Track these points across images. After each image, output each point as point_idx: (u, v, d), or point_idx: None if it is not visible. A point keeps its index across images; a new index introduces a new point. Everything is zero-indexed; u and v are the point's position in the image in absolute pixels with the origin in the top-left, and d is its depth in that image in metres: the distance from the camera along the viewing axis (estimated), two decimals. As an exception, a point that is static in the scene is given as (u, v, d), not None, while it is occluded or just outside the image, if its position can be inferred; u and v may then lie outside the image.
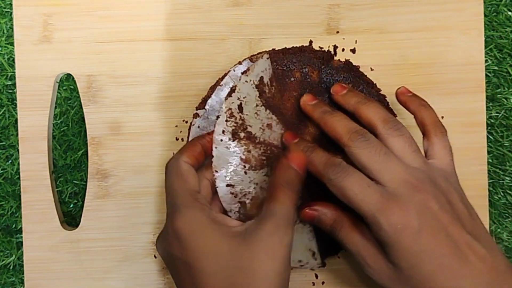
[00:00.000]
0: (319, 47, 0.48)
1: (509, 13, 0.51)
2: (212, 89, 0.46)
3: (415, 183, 0.37)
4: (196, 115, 0.45)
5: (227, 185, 0.42)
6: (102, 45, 0.48)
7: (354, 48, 0.49)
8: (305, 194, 0.45)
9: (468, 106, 0.49)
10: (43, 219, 0.48)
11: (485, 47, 0.49)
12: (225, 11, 0.48)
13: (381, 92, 0.47)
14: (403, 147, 0.39)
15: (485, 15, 0.50)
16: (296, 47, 0.47)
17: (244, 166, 0.42)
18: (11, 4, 0.49)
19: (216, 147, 0.41)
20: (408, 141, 0.39)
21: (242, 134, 0.42)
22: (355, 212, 0.38)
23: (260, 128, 0.42)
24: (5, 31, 0.50)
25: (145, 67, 0.48)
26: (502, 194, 0.52)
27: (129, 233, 0.48)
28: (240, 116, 0.42)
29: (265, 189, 0.42)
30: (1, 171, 0.51)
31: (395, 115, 0.47)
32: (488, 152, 0.51)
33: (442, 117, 0.49)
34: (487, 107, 0.51)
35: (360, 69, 0.47)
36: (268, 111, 0.43)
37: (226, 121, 0.41)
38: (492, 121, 0.51)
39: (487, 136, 0.51)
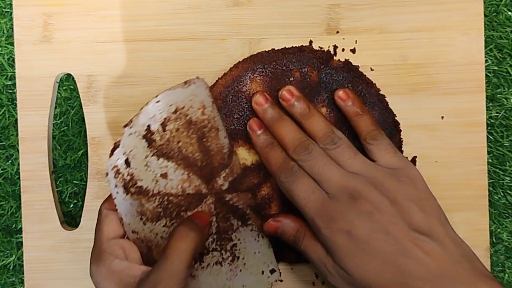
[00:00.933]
0: (319, 47, 0.48)
1: (509, 13, 0.51)
2: (211, 88, 0.46)
3: (351, 189, 0.40)
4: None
5: (132, 232, 0.41)
6: (102, 45, 0.48)
7: (354, 48, 0.49)
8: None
9: (468, 106, 0.49)
10: (43, 219, 0.48)
11: (485, 47, 0.49)
12: (225, 11, 0.48)
13: (381, 92, 0.47)
14: (340, 156, 0.42)
15: (485, 15, 0.50)
16: (296, 47, 0.47)
17: (142, 218, 0.41)
18: (11, 4, 0.49)
19: (115, 197, 0.40)
20: (343, 151, 0.42)
21: (132, 189, 0.40)
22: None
23: (153, 179, 0.40)
24: (5, 31, 0.50)
25: (145, 67, 0.48)
26: (502, 194, 0.52)
27: (129, 233, 0.48)
28: (128, 171, 0.39)
29: (166, 239, 0.41)
30: (1, 171, 0.51)
31: (394, 115, 0.47)
32: (488, 152, 0.51)
33: (442, 117, 0.49)
34: (487, 107, 0.51)
35: (360, 69, 0.47)
36: (161, 159, 0.40)
37: (115, 177, 0.39)
38: (492, 121, 0.51)
39: (487, 136, 0.51)
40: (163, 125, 0.40)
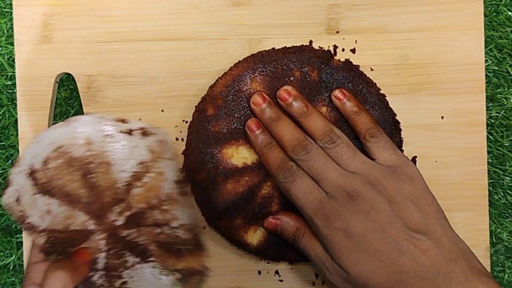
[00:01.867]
0: (319, 47, 0.48)
1: (509, 13, 0.51)
2: (212, 88, 0.46)
3: (348, 189, 0.40)
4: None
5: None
6: (102, 45, 0.48)
7: (354, 48, 0.49)
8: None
9: (468, 106, 0.49)
10: (43, 219, 0.48)
11: (485, 47, 0.49)
12: (225, 11, 0.48)
13: (381, 92, 0.47)
14: (339, 156, 0.42)
15: (485, 15, 0.50)
16: (296, 46, 0.47)
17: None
18: (11, 4, 0.49)
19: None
20: (342, 150, 0.42)
21: (24, 226, 0.41)
22: None
23: (40, 216, 0.40)
24: (5, 31, 0.50)
25: (145, 67, 0.48)
26: (502, 194, 0.52)
27: (129, 233, 0.48)
28: (19, 208, 0.40)
29: None
30: (1, 171, 0.51)
31: (394, 115, 0.47)
32: (488, 152, 0.51)
33: (442, 117, 0.49)
34: (487, 107, 0.51)
35: (360, 69, 0.47)
36: (46, 196, 0.40)
37: (10, 214, 0.41)
38: (492, 121, 0.51)
39: (487, 136, 0.51)
40: (45, 163, 0.40)
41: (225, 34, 0.48)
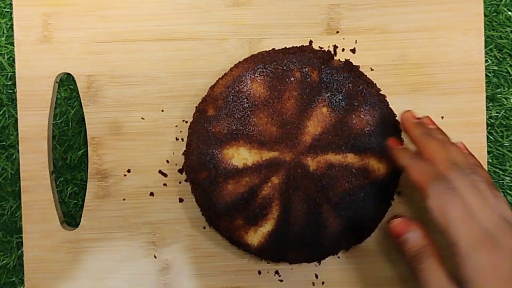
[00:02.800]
0: (319, 47, 0.48)
1: (509, 13, 0.51)
2: (212, 88, 0.46)
3: (507, 227, 0.36)
4: None
5: None
6: (102, 45, 0.48)
7: (354, 48, 0.49)
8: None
9: (468, 106, 0.49)
10: (43, 219, 0.48)
11: (485, 47, 0.49)
12: (225, 11, 0.48)
13: (381, 92, 0.47)
14: (477, 187, 0.38)
15: (485, 15, 0.50)
16: (296, 47, 0.47)
17: None
18: (11, 4, 0.49)
19: None
20: (487, 185, 0.39)
21: None
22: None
23: None
24: (5, 31, 0.50)
25: (145, 67, 0.48)
26: (502, 194, 0.52)
27: (129, 233, 0.48)
28: None
29: None
30: (1, 171, 0.51)
31: (395, 115, 0.47)
32: (488, 152, 0.51)
33: (442, 117, 0.49)
34: (487, 107, 0.51)
35: (360, 69, 0.47)
36: None
37: None
38: (492, 121, 0.51)
39: (487, 136, 0.51)
40: None
41: (225, 34, 0.48)
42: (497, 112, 0.51)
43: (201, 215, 0.47)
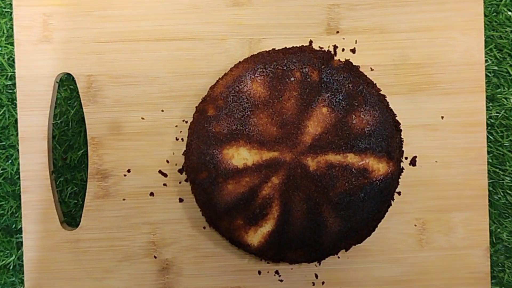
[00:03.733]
0: (319, 47, 0.48)
1: (509, 13, 0.51)
2: (212, 88, 0.46)
3: None
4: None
5: None
6: (102, 45, 0.48)
7: (354, 48, 0.49)
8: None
9: (468, 106, 0.49)
10: (43, 219, 0.48)
11: (485, 47, 0.49)
12: (225, 11, 0.48)
13: (381, 92, 0.47)
14: None
15: (485, 15, 0.50)
16: (296, 47, 0.47)
17: None
18: (11, 4, 0.49)
19: None
20: None
21: None
22: None
23: None
24: (5, 31, 0.50)
25: (145, 67, 0.48)
26: (502, 194, 0.52)
27: (129, 233, 0.48)
28: None
29: None
30: (1, 171, 0.51)
31: (395, 115, 0.47)
32: (488, 152, 0.51)
33: (442, 117, 0.49)
34: (487, 107, 0.51)
35: (360, 69, 0.47)
36: None
37: None
38: (492, 121, 0.51)
39: (487, 136, 0.51)
40: None
41: (225, 34, 0.48)
42: (497, 112, 0.51)
43: (201, 215, 0.47)
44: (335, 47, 0.48)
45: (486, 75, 0.50)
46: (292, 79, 0.45)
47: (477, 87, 0.49)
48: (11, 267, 0.51)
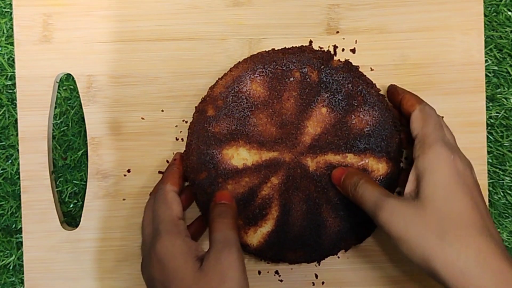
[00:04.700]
0: (319, 47, 0.48)
1: (509, 13, 0.51)
2: (212, 88, 0.46)
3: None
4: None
5: None
6: (102, 45, 0.48)
7: (354, 48, 0.49)
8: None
9: (468, 106, 0.49)
10: (43, 219, 0.48)
11: (485, 47, 0.49)
12: (225, 11, 0.48)
13: (381, 92, 0.47)
14: None
15: (485, 15, 0.50)
16: (296, 47, 0.47)
17: None
18: (11, 4, 0.49)
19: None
20: None
21: None
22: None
23: None
24: (5, 31, 0.50)
25: (145, 67, 0.48)
26: (502, 194, 0.52)
27: (129, 233, 0.48)
28: None
29: None
30: (1, 171, 0.51)
31: (394, 115, 0.47)
32: (488, 152, 0.51)
33: (442, 117, 0.48)
34: (487, 107, 0.51)
35: (360, 69, 0.47)
36: None
37: None
38: (492, 121, 0.51)
39: (487, 136, 0.51)
40: None
41: (225, 34, 0.48)
42: (497, 112, 0.51)
43: (201, 215, 0.47)
44: (335, 47, 0.48)
45: (486, 75, 0.50)
46: (292, 79, 0.45)
47: (477, 87, 0.49)
48: (11, 267, 0.51)
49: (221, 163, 0.45)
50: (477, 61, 0.49)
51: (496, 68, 0.51)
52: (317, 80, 0.45)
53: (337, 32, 0.49)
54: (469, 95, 0.49)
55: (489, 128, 0.51)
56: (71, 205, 0.51)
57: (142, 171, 0.48)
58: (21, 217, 0.49)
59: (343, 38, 0.49)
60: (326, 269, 0.49)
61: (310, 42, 0.48)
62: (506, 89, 0.51)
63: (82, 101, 0.48)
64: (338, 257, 0.49)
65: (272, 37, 0.49)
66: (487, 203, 0.49)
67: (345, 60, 0.46)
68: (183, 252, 0.39)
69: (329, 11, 0.49)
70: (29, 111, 0.48)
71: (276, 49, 0.47)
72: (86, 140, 0.48)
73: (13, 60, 0.50)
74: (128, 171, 0.48)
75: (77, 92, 0.49)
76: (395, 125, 0.46)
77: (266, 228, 0.45)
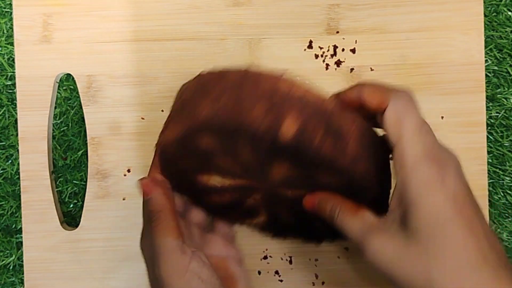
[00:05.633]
0: (319, 47, 0.48)
1: (509, 13, 0.51)
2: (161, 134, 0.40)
3: (448, 150, 0.36)
4: None
5: None
6: (102, 45, 0.48)
7: (354, 48, 0.49)
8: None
9: (468, 106, 0.49)
10: (43, 219, 0.48)
11: (485, 47, 0.49)
12: (224, 11, 0.48)
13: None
14: None
15: (485, 15, 0.50)
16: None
17: None
18: (11, 4, 0.49)
19: None
20: None
21: None
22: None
23: None
24: (5, 31, 0.50)
25: (145, 67, 0.48)
26: (502, 194, 0.52)
27: (129, 233, 0.48)
28: None
29: None
30: (1, 171, 0.51)
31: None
32: (488, 152, 0.51)
33: (442, 117, 0.49)
34: (487, 107, 0.51)
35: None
36: None
37: None
38: (492, 121, 0.51)
39: (487, 136, 0.51)
40: None
41: (225, 34, 0.48)
42: (497, 112, 0.51)
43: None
44: (335, 47, 0.48)
45: (486, 75, 0.50)
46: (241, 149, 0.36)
47: (477, 87, 0.49)
48: (11, 267, 0.51)
49: (200, 184, 0.40)
50: (477, 61, 0.49)
51: (496, 68, 0.51)
52: (267, 153, 0.36)
53: (337, 32, 0.49)
54: (469, 95, 0.49)
55: (489, 128, 0.51)
56: (71, 205, 0.51)
57: (142, 171, 0.48)
58: (21, 217, 0.49)
59: (343, 38, 0.49)
60: (326, 269, 0.49)
61: (310, 42, 0.48)
62: (506, 89, 0.51)
63: (82, 101, 0.48)
64: (338, 257, 0.49)
65: (272, 37, 0.49)
66: (487, 204, 0.49)
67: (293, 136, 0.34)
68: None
69: (329, 11, 0.49)
70: (29, 111, 0.48)
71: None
72: (86, 140, 0.48)
73: (13, 60, 0.50)
74: (128, 171, 0.48)
75: (77, 92, 0.49)
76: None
77: (258, 220, 0.43)
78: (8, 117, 0.51)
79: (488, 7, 0.51)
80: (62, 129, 0.51)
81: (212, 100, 0.36)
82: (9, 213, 0.51)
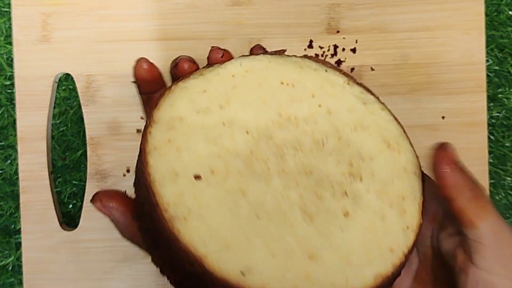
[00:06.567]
0: (319, 46, 0.48)
1: (510, 12, 0.51)
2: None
3: None
4: None
5: None
6: (102, 45, 0.48)
7: (355, 48, 0.48)
8: None
9: (469, 106, 0.49)
10: (42, 220, 0.48)
11: (486, 46, 0.49)
12: (224, 10, 0.48)
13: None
14: None
15: (486, 15, 0.50)
16: None
17: None
18: (9, 4, 0.49)
19: None
20: None
21: None
22: None
23: None
24: (3, 31, 0.50)
25: (144, 67, 0.48)
26: (503, 194, 0.52)
27: (129, 234, 0.48)
28: None
29: None
30: (0, 172, 0.51)
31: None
32: (489, 153, 0.51)
33: (443, 117, 0.48)
34: (488, 107, 0.51)
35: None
36: None
37: None
38: (493, 121, 0.51)
39: (488, 136, 0.50)
40: None
41: (225, 34, 0.48)
42: (498, 112, 0.51)
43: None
44: (336, 46, 0.48)
45: (487, 75, 0.50)
46: None
47: (478, 87, 0.49)
48: (10, 268, 0.51)
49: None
50: (478, 61, 0.49)
51: (497, 68, 0.51)
52: None
53: (338, 31, 0.48)
54: (470, 95, 0.49)
55: (490, 128, 0.51)
56: (70, 206, 0.51)
57: (141, 172, 0.48)
58: (20, 218, 0.48)
59: (344, 38, 0.48)
60: None
61: (310, 41, 0.48)
62: (507, 89, 0.51)
63: (81, 101, 0.48)
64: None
65: (272, 37, 0.48)
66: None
67: None
68: None
69: (329, 11, 0.48)
70: (28, 111, 0.48)
71: None
72: (85, 140, 0.48)
73: (12, 60, 0.49)
74: (128, 171, 0.48)
75: (76, 92, 0.49)
76: None
77: None
78: (7, 117, 0.51)
79: (489, 7, 0.51)
80: (61, 129, 0.51)
81: None
82: (8, 214, 0.51)
